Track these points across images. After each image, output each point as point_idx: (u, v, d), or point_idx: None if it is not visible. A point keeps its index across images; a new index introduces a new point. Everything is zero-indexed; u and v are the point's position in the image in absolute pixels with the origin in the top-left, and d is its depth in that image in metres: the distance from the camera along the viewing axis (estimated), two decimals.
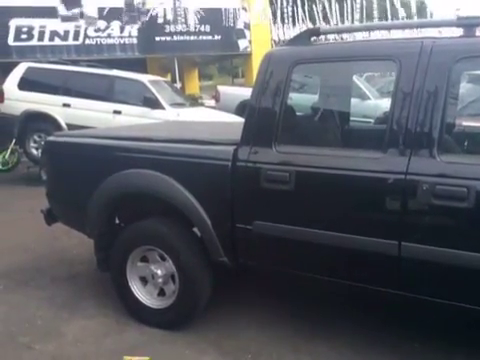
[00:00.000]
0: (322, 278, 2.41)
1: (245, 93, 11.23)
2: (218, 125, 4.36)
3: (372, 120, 8.98)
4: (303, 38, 2.59)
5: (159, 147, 2.82)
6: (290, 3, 17.36)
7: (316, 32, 2.60)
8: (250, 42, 14.63)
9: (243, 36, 14.58)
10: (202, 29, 13.97)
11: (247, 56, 14.95)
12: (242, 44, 14.66)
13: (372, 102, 9.24)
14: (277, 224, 2.45)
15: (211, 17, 13.97)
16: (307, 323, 2.89)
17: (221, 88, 11.63)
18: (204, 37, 14.04)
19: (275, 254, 2.53)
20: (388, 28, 2.33)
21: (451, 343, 2.60)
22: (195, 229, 2.78)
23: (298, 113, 2.59)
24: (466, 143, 2.52)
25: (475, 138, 2.66)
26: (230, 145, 2.60)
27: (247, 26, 14.58)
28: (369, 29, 2.67)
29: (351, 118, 2.77)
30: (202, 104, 12.11)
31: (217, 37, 14.18)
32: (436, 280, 2.11)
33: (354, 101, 9.05)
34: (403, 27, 2.24)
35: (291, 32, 16.76)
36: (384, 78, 9.43)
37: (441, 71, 2.08)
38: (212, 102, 11.89)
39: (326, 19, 18.28)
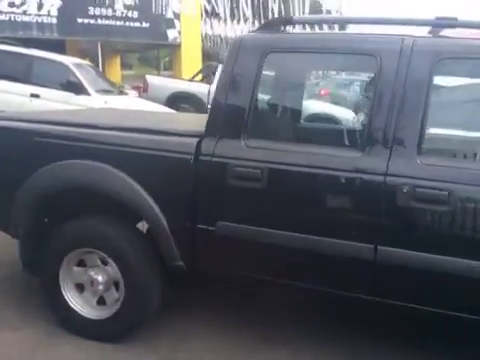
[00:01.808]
0: (292, 283, 2.24)
1: (176, 85, 10.93)
2: (167, 115, 4.01)
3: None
4: (274, 26, 2.41)
5: (107, 136, 2.46)
6: None
7: (288, 21, 2.43)
8: (179, 33, 14.21)
9: (172, 26, 14.12)
10: (129, 15, 13.29)
11: (176, 47, 14.52)
12: (171, 34, 14.19)
13: None
14: (244, 225, 2.24)
15: (140, 3, 13.33)
16: (264, 327, 2.72)
17: (150, 78, 11.11)
18: (131, 23, 13.38)
19: (240, 258, 2.32)
20: (366, 22, 2.20)
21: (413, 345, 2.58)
22: (140, 227, 2.49)
23: (270, 105, 2.40)
24: (446, 145, 2.51)
25: (455, 140, 2.67)
26: (192, 137, 2.34)
27: (177, 16, 14.14)
28: (345, 22, 2.55)
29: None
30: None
31: (145, 24, 13.58)
32: (413, 286, 2.04)
33: None
34: (382, 22, 2.16)
35: (221, 28, 16.63)
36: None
37: (422, 71, 2.01)
38: (134, 92, 11.30)
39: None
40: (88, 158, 2.40)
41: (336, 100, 8.30)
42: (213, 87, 3.62)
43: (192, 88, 10.47)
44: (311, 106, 7.75)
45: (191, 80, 11.51)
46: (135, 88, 12.78)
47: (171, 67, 17.98)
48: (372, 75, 2.17)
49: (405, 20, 2.29)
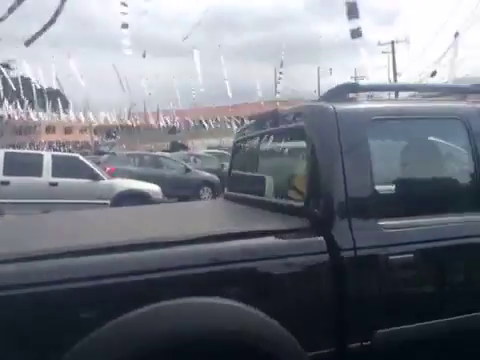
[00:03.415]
0: None
1: None
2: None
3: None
4: (339, 94, 2.15)
5: (193, 253, 1.69)
6: None
7: (355, 88, 2.21)
8: None
9: None
10: None
11: None
12: None
13: (106, 182, 9.08)
14: (407, 326, 1.78)
15: None
16: None
17: None
18: None
19: None
20: (426, 90, 2.25)
21: None
22: None
23: (397, 177, 2.05)
24: None
25: None
26: (299, 231, 1.82)
27: None
28: (405, 89, 2.49)
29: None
30: None
31: None
32: None
33: (84, 182, 8.94)
34: (436, 89, 2.22)
35: None
36: None
37: None
38: None
39: None
40: (185, 294, 1.59)
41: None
42: None
43: None
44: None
45: None
46: None
47: None
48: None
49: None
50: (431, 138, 2.15)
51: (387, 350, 1.80)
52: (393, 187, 1.98)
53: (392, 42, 30.33)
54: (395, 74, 30.02)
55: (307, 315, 1.72)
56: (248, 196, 2.62)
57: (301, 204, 2.00)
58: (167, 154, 15.88)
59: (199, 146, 26.38)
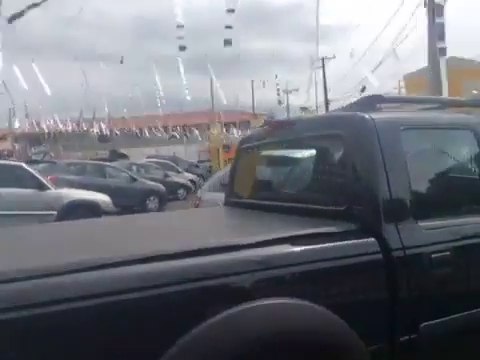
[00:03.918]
0: None
1: None
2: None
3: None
4: (368, 104, 2.33)
5: (270, 255, 1.73)
6: None
7: (381, 99, 2.39)
8: None
9: None
10: None
11: None
12: None
13: (53, 192, 8.80)
14: (447, 318, 1.96)
15: None
16: None
17: None
18: None
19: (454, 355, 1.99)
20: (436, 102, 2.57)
21: None
22: None
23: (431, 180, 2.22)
24: None
25: None
26: (347, 233, 1.94)
27: None
28: (425, 102, 2.74)
29: None
30: None
31: None
32: None
33: (29, 192, 8.57)
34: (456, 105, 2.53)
35: None
36: None
37: None
38: None
39: None
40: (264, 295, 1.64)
41: None
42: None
43: None
44: None
45: None
46: None
47: None
48: None
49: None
50: (450, 145, 2.37)
51: (430, 342, 1.95)
52: (427, 190, 2.17)
53: (322, 58, 31.92)
54: (325, 89, 31.62)
55: (364, 313, 1.83)
56: (265, 203, 2.68)
57: (341, 208, 2.11)
58: (112, 163, 15.41)
59: (136, 155, 25.80)
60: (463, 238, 2.06)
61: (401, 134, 2.13)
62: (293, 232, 1.87)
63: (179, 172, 19.82)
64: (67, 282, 1.37)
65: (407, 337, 1.90)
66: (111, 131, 31.65)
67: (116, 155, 24.15)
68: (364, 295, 1.85)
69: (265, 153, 2.93)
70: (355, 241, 1.91)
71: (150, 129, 35.67)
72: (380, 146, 2.05)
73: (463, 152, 2.39)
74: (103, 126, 32.82)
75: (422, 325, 1.92)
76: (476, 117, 2.43)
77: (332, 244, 1.86)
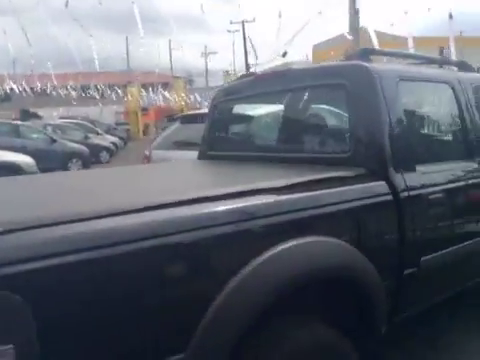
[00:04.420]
0: None
1: None
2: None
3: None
4: (363, 56, 2.42)
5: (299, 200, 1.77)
6: None
7: (373, 51, 2.49)
8: None
9: None
10: None
11: None
12: None
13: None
14: (441, 251, 2.18)
15: None
16: None
17: None
18: None
19: (439, 286, 2.23)
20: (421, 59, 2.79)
21: None
22: None
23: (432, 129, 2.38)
24: None
25: None
26: (358, 177, 2.05)
27: None
28: (410, 57, 2.94)
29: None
30: None
31: None
32: None
33: None
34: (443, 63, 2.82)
35: None
36: None
37: None
38: None
39: None
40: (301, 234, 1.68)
41: None
42: None
43: None
44: None
45: None
46: None
47: None
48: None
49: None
50: (438, 97, 2.56)
51: (427, 275, 2.16)
52: (421, 138, 2.34)
53: (242, 21, 31.76)
54: (246, 52, 31.67)
55: (380, 250, 1.97)
56: (256, 154, 2.70)
57: (345, 155, 2.21)
58: (27, 123, 14.21)
59: (46, 116, 23.99)
60: (454, 181, 2.28)
61: (398, 85, 2.25)
62: (312, 176, 1.93)
63: (99, 134, 18.90)
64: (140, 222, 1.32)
65: (411, 270, 2.09)
66: (19, 88, 28.82)
67: (27, 115, 22.29)
68: (379, 234, 1.99)
69: (252, 105, 2.92)
70: (368, 184, 2.02)
71: (60, 88, 33.17)
72: (383, 95, 2.16)
73: (449, 104, 2.58)
74: (8, 84, 29.80)
75: (422, 259, 2.12)
76: (455, 73, 2.64)
77: (352, 187, 1.95)
